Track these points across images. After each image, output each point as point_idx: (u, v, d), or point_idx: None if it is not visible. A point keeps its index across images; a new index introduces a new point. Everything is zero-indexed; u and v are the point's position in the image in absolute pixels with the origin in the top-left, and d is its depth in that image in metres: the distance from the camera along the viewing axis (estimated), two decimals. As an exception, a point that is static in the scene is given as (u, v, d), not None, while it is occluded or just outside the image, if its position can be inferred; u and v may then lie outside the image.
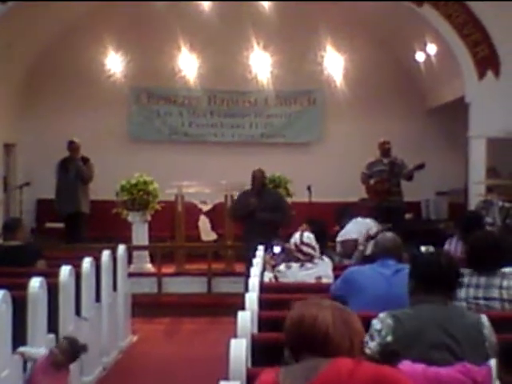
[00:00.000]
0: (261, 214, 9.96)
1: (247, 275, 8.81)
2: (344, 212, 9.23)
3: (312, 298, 2.97)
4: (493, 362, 3.51)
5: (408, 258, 6.07)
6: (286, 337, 2.86)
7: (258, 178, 10.38)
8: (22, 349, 5.52)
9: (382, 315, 3.80)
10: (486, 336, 3.70)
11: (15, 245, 7.72)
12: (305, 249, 6.56)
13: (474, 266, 5.12)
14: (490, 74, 11.85)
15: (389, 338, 3.69)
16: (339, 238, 8.80)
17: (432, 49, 12.79)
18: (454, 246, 7.71)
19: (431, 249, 7.14)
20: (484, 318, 3.79)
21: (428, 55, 13.05)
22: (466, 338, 3.64)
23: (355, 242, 8.60)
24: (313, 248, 6.58)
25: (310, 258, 6.55)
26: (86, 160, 12.66)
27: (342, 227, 8.93)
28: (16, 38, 12.28)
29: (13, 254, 7.51)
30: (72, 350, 5.71)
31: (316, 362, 2.70)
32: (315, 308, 2.82)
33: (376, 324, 3.76)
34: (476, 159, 11.94)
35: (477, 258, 5.14)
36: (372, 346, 3.69)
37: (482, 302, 4.96)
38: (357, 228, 8.72)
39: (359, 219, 8.94)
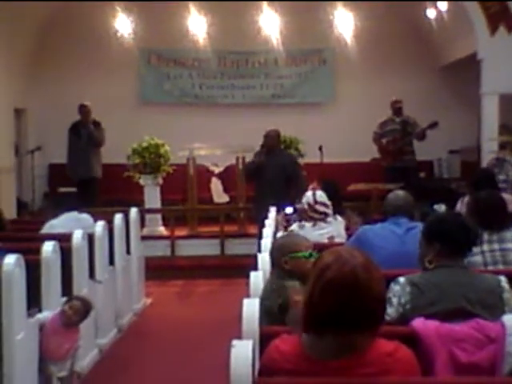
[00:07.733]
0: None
1: (260, 237, 8.81)
2: (58, 202, 7.77)
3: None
4: (507, 318, 3.46)
5: (419, 216, 6.06)
6: (314, 299, 2.52)
7: (270, 137, 10.21)
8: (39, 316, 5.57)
9: (401, 280, 3.76)
10: (506, 300, 3.69)
11: None
12: (319, 208, 6.53)
13: (484, 224, 5.10)
14: (502, 29, 11.66)
15: (407, 307, 3.68)
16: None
17: (443, 5, 12.62)
18: (466, 205, 7.66)
19: (443, 207, 7.12)
20: (503, 282, 3.75)
21: (439, 11, 12.88)
22: (485, 303, 3.63)
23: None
24: (327, 206, 6.55)
25: (325, 217, 6.53)
26: (97, 124, 12.57)
27: (54, 216, 7.56)
28: (25, 3, 12.18)
29: None
30: (85, 310, 5.80)
31: (354, 337, 2.50)
32: (363, 268, 2.54)
33: (396, 291, 3.73)
34: (488, 116, 11.81)
35: (487, 217, 5.13)
36: (390, 311, 3.66)
37: (497, 253, 4.98)
38: (70, 225, 7.23)
39: (76, 214, 7.69)
